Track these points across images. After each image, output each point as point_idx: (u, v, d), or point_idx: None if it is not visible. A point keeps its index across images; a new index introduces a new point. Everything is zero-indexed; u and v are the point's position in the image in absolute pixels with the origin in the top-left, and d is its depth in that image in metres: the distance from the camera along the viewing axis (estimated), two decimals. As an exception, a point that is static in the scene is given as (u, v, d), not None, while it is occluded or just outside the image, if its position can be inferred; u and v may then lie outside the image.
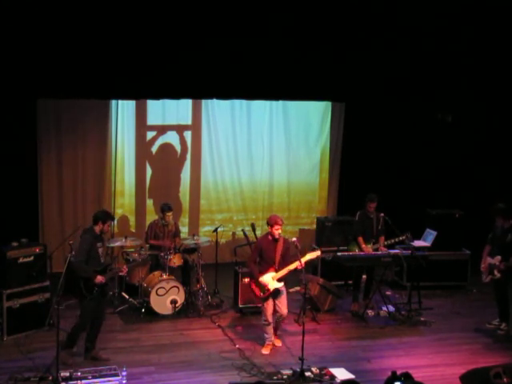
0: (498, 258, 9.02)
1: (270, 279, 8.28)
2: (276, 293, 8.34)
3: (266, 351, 8.39)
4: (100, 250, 7.90)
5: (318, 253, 8.59)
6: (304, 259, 8.29)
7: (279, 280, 8.31)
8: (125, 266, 8.21)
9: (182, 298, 9.50)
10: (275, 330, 8.59)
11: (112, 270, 8.04)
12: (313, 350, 8.41)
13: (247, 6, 9.51)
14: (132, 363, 7.87)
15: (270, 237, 8.37)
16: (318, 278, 10.05)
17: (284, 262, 8.32)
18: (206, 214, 12.22)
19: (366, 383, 7.28)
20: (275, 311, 8.42)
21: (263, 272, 8.34)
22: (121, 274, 8.23)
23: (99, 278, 7.69)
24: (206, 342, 8.72)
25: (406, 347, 8.75)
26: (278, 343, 8.62)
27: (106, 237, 8.50)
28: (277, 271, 8.31)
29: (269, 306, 8.37)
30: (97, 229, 7.89)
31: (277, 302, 8.38)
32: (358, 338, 9.01)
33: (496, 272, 9.04)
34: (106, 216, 8.00)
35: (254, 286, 8.47)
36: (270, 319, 8.40)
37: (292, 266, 8.25)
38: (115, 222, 11.48)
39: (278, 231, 8.28)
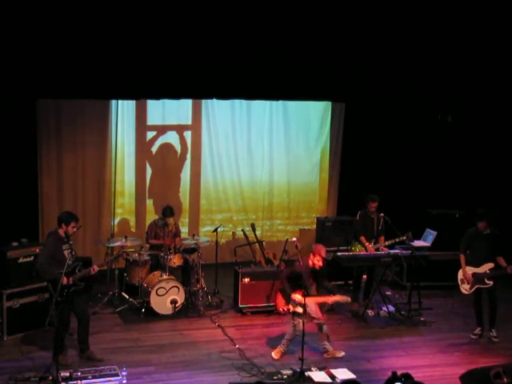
0: (491, 264, 8.83)
1: (298, 300, 8.11)
2: (295, 314, 8.20)
3: (275, 355, 8.25)
4: (66, 252, 7.71)
5: (348, 299, 8.40)
6: (332, 299, 8.29)
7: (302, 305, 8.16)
8: (95, 266, 7.98)
9: (182, 298, 9.50)
10: (326, 339, 8.35)
11: (82, 270, 7.83)
12: (313, 350, 8.42)
13: (247, 6, 9.52)
14: (132, 363, 7.87)
15: (310, 263, 8.25)
16: (318, 278, 10.05)
17: (314, 290, 8.27)
18: (206, 214, 12.22)
19: (366, 383, 7.27)
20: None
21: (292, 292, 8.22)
22: (92, 273, 8.03)
23: (65, 280, 7.51)
24: (206, 341, 8.72)
25: (406, 347, 8.75)
26: (340, 354, 8.37)
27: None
28: (304, 296, 8.12)
29: (314, 307, 8.23)
30: (61, 231, 7.76)
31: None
32: (358, 338, 9.02)
33: (487, 280, 8.87)
34: (68, 217, 7.82)
35: (278, 300, 8.36)
36: (321, 316, 8.21)
37: (320, 300, 8.19)
38: (115, 221, 11.51)
39: (319, 263, 8.22)
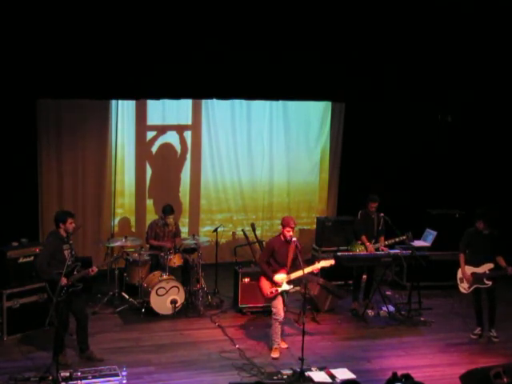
0: (490, 265, 8.83)
1: (280, 281, 8.21)
2: (283, 294, 8.29)
3: (275, 355, 8.25)
4: (66, 253, 7.70)
5: (331, 261, 8.45)
6: (318, 266, 8.29)
7: (289, 282, 8.24)
8: (94, 267, 7.94)
9: (182, 298, 9.50)
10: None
11: (80, 271, 7.80)
12: (313, 350, 8.42)
13: (246, 7, 9.52)
14: (132, 363, 7.86)
15: (282, 238, 8.30)
16: (318, 278, 10.02)
17: (295, 265, 8.22)
18: (206, 214, 12.22)
19: (366, 383, 7.26)
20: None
21: (274, 273, 8.26)
22: (91, 274, 8.03)
23: (63, 280, 7.48)
24: (206, 341, 8.72)
25: (406, 347, 8.75)
26: (284, 345, 8.52)
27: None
28: (288, 273, 8.24)
29: (279, 302, 8.26)
30: (61, 231, 7.75)
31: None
32: (358, 338, 9.02)
33: (486, 280, 8.87)
34: (62, 215, 7.83)
35: (262, 285, 8.36)
36: (282, 314, 8.28)
37: (305, 270, 8.10)
38: (115, 221, 11.51)
39: (289, 233, 8.21)
